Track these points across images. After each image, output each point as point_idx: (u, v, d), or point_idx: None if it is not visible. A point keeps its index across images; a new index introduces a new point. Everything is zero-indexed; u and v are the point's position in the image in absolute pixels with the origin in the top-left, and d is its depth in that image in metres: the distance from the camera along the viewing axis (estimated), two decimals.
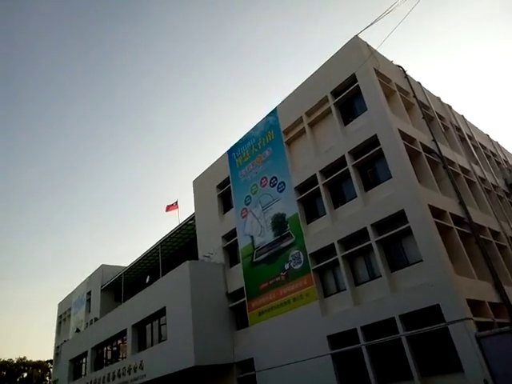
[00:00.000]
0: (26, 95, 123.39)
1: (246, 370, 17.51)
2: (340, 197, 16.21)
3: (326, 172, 16.55)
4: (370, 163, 15.40)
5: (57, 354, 37.78)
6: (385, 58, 17.65)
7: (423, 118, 17.05)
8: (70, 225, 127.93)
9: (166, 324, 19.12)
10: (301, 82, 18.70)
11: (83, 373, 26.58)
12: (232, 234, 20.46)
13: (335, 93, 16.95)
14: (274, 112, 19.62)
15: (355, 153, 15.61)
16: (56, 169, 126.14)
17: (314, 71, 18.16)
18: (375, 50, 16.42)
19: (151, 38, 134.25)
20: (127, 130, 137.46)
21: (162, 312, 19.51)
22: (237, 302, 18.92)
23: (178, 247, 26.90)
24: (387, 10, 11.97)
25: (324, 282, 15.81)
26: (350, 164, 15.43)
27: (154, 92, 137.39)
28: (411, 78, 18.61)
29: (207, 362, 17.20)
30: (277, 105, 19.60)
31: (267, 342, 16.62)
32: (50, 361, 49.61)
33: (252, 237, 18.87)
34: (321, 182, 16.39)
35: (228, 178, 21.49)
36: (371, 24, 12.99)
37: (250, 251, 18.75)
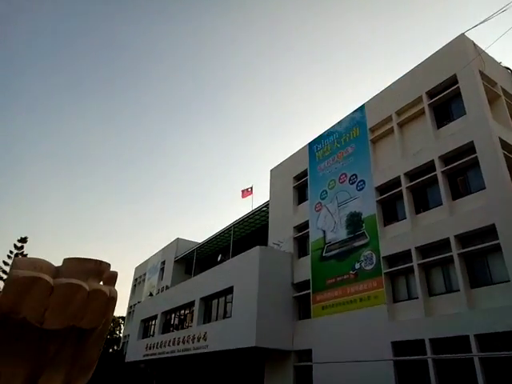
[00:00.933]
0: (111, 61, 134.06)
1: (304, 360, 17.84)
2: (423, 202, 15.54)
3: (411, 175, 15.93)
4: (461, 171, 14.51)
5: (129, 312, 41.54)
6: (492, 58, 16.33)
7: None
8: (149, 196, 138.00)
9: (231, 302, 20.12)
10: (393, 81, 18.08)
11: (151, 333, 29.04)
12: (304, 226, 20.68)
13: (431, 93, 16.11)
14: (361, 108, 19.24)
15: (446, 158, 14.79)
16: (141, 145, 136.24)
17: (410, 69, 17.42)
18: (483, 51, 15.25)
19: (238, 22, 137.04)
20: (209, 113, 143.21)
21: (229, 290, 20.53)
22: (301, 293, 19.23)
23: (249, 231, 27.87)
24: (501, 8, 11.09)
25: (394, 287, 15.41)
26: (439, 170, 14.67)
27: (242, 77, 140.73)
28: None
29: (267, 345, 17.80)
30: (365, 101, 19.17)
31: (328, 336, 16.73)
32: (122, 317, 54.64)
33: (324, 231, 18.92)
34: (404, 184, 15.82)
35: (306, 170, 21.64)
36: (482, 22, 12.11)
37: (320, 245, 18.85)
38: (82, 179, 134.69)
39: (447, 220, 13.92)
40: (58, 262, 3.29)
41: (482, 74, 14.86)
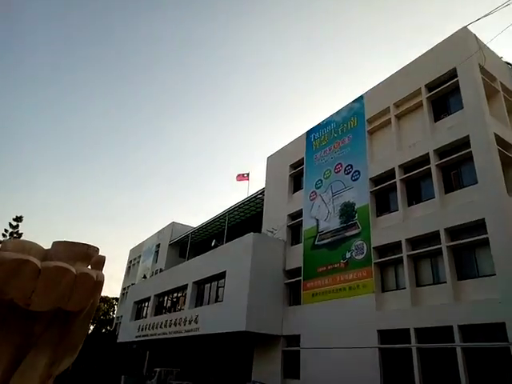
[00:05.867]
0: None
1: (292, 345, 18.21)
2: (416, 195, 15.67)
3: (405, 167, 16.03)
4: (455, 165, 14.61)
5: (123, 294, 41.91)
6: (493, 53, 16.26)
7: None
8: (146, 180, 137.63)
9: (223, 287, 20.38)
10: (393, 72, 17.99)
11: (144, 315, 29.40)
12: (297, 215, 20.83)
13: (430, 86, 16.07)
14: (360, 99, 19.18)
15: (441, 152, 14.87)
16: (143, 132, 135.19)
17: (409, 61, 17.33)
18: (484, 45, 15.16)
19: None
20: (207, 100, 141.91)
21: (221, 275, 20.77)
22: (292, 280, 19.50)
23: (244, 217, 28.02)
24: (504, 2, 11.02)
25: (383, 277, 15.67)
26: (433, 163, 14.77)
27: (241, 63, 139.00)
28: None
29: (256, 330, 18.12)
30: (364, 92, 19.11)
31: (316, 322, 17.05)
32: (116, 298, 55.16)
33: (317, 220, 19.08)
34: (398, 176, 15.93)
35: (302, 159, 21.67)
36: (485, 16, 12.01)
37: (313, 234, 19.03)
38: (73, 165, 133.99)
39: (438, 213, 14.08)
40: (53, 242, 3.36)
41: (481, 68, 14.80)
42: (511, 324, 11.12)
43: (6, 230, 35.74)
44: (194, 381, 21.76)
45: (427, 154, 15.10)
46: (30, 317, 2.70)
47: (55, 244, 3.38)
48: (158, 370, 22.39)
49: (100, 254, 3.58)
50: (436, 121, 15.69)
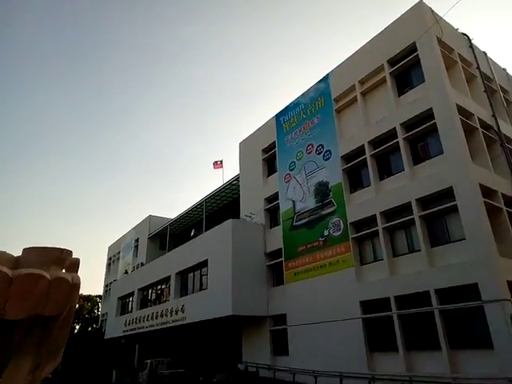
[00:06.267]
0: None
1: (279, 324, 18.67)
2: (386, 169, 16.10)
3: (374, 143, 16.39)
4: (421, 137, 15.05)
5: (106, 291, 41.50)
6: (449, 25, 16.62)
7: (485, 91, 16.17)
8: (120, 173, 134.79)
9: (207, 275, 20.54)
10: (356, 50, 18.13)
11: (129, 309, 29.31)
12: (274, 197, 21.04)
13: (392, 62, 16.36)
14: (325, 78, 19.29)
15: (407, 125, 15.26)
16: (114, 120, 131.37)
17: (370, 38, 17.51)
18: (440, 18, 15.48)
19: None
20: (176, 87, 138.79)
21: (204, 263, 20.88)
22: (274, 261, 19.84)
23: (221, 205, 28.03)
24: None
25: (361, 251, 16.16)
26: (400, 136, 15.16)
27: (206, 52, 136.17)
28: (476, 47, 17.48)
29: (243, 313, 18.46)
30: (329, 71, 19.21)
31: (300, 300, 17.50)
32: (99, 296, 54.57)
33: (294, 201, 19.34)
34: (368, 152, 16.28)
35: (274, 142, 21.76)
36: None
37: (290, 215, 19.31)
38: (39, 158, 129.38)
39: (409, 185, 14.56)
40: (25, 244, 3.30)
41: (439, 40, 15.13)
42: (483, 284, 11.75)
43: None
44: (185, 369, 22.02)
45: (394, 128, 15.47)
46: (7, 326, 2.68)
47: (26, 250, 3.33)
48: (148, 361, 22.50)
49: (74, 256, 3.56)
50: (400, 95, 16.04)
